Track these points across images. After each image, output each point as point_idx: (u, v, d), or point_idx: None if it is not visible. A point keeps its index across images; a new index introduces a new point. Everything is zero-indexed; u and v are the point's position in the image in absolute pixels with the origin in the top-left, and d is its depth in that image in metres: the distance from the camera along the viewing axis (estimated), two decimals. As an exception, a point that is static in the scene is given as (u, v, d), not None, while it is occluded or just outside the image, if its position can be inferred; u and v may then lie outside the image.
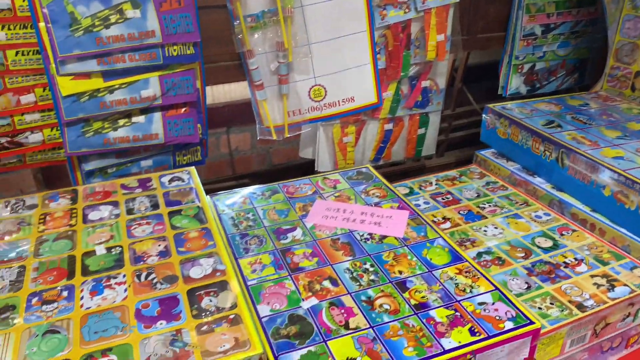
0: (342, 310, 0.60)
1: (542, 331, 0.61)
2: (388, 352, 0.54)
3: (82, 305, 0.57)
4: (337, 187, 0.86)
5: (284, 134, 0.98)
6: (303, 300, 0.61)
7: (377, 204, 0.81)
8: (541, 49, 1.17)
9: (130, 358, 0.51)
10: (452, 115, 1.41)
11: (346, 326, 0.57)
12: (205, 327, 0.54)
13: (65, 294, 0.59)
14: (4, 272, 0.62)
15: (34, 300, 0.58)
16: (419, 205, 0.89)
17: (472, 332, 0.57)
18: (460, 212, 0.88)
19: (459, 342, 0.56)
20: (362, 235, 0.73)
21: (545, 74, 1.21)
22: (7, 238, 0.68)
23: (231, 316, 0.56)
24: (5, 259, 0.64)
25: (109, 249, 0.66)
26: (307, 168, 1.39)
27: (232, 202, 0.82)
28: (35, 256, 0.65)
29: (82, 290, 0.59)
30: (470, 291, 0.63)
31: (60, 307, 0.57)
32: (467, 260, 0.68)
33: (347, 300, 0.61)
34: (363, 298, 0.61)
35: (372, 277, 0.65)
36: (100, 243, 0.68)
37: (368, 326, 0.57)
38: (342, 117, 1.01)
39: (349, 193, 0.84)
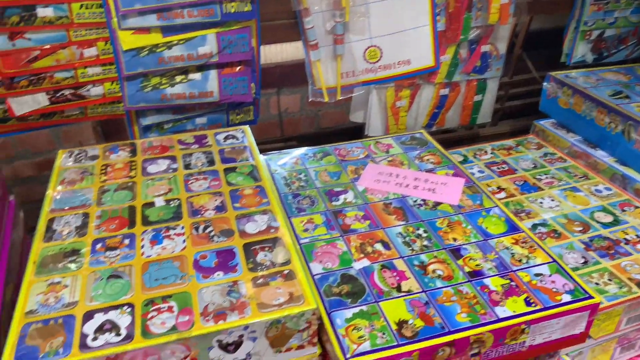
0: (394, 273, 0.60)
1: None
2: (441, 317, 0.54)
3: (142, 254, 0.59)
4: (390, 151, 0.85)
5: (336, 97, 0.97)
6: (355, 261, 0.61)
7: (431, 170, 0.79)
8: (613, 15, 1.10)
9: (189, 305, 0.52)
10: (509, 83, 1.36)
11: (398, 289, 0.58)
12: (260, 280, 0.55)
13: (126, 242, 0.61)
14: (70, 219, 0.65)
15: (98, 246, 0.60)
16: (473, 174, 0.87)
17: (528, 303, 0.56)
18: (516, 182, 0.85)
19: (514, 312, 0.55)
20: (416, 201, 0.72)
21: (615, 42, 1.14)
22: (71, 186, 0.71)
23: (285, 271, 0.57)
24: (70, 206, 0.67)
25: (167, 201, 0.68)
26: (355, 132, 1.38)
27: (284, 162, 0.82)
28: (98, 205, 0.68)
29: (142, 240, 0.62)
30: (527, 262, 0.61)
31: (122, 254, 0.59)
32: (523, 231, 0.66)
33: (399, 264, 0.61)
34: (416, 263, 0.61)
35: (425, 242, 0.64)
36: (159, 195, 0.70)
37: (420, 290, 0.57)
38: (396, 81, 0.99)
39: (402, 158, 0.83)
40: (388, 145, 0.87)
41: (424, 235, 0.65)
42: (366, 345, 0.51)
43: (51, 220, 0.64)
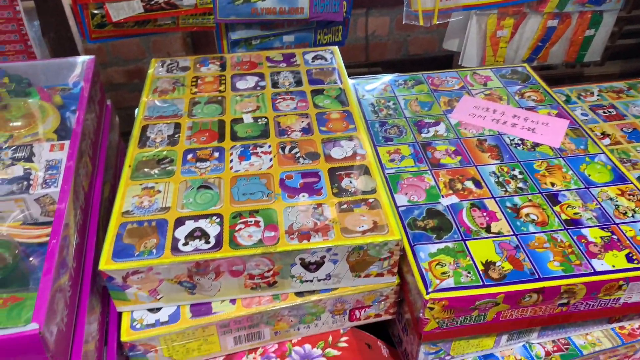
0: (484, 213, 0.57)
1: None
2: (531, 262, 0.52)
3: (231, 168, 0.60)
4: (488, 84, 0.79)
5: (432, 20, 0.91)
6: (443, 196, 0.59)
7: (532, 109, 0.73)
8: None
9: (275, 222, 0.53)
10: (625, 18, 1.21)
11: (487, 229, 0.55)
12: (345, 206, 0.55)
13: (216, 154, 0.62)
14: (163, 127, 0.67)
15: (189, 156, 0.62)
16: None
17: (630, 259, 0.52)
18: (624, 129, 0.78)
19: (612, 266, 0.51)
20: (513, 139, 0.67)
21: None
22: (164, 96, 0.72)
23: (370, 200, 0.56)
24: (162, 115, 0.69)
25: (255, 119, 0.68)
26: (445, 62, 1.30)
27: (372, 88, 0.79)
28: (189, 116, 0.69)
29: (231, 154, 0.62)
30: (632, 216, 0.57)
31: (212, 166, 0.61)
32: (632, 182, 0.61)
33: (491, 204, 0.58)
34: (508, 205, 0.58)
35: (520, 184, 0.61)
36: (248, 112, 0.69)
37: (511, 233, 0.55)
38: (500, 7, 0.90)
39: (500, 92, 0.77)
40: (486, 78, 0.81)
41: (520, 177, 0.62)
42: (449, 282, 0.50)
43: (145, 127, 0.66)
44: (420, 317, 0.51)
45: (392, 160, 0.64)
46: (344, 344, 0.59)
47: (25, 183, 0.51)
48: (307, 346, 0.58)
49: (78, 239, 0.51)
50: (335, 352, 0.58)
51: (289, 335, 0.58)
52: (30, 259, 0.49)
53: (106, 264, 0.49)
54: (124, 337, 0.52)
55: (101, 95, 0.72)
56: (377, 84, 0.80)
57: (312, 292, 0.55)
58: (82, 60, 0.70)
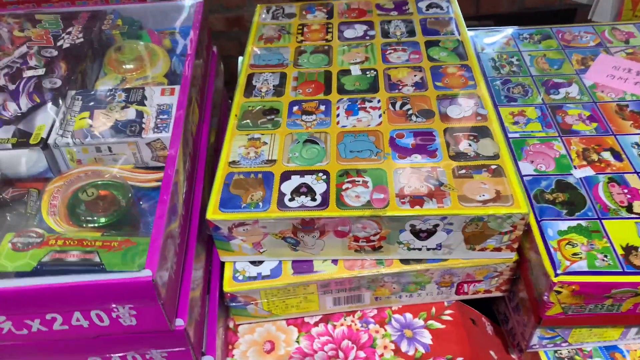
0: (625, 190, 0.50)
1: None
2: (685, 252, 0.44)
3: (338, 123, 0.57)
4: (631, 42, 0.68)
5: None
6: (575, 168, 0.52)
7: (687, 70, 0.63)
8: None
9: (384, 184, 0.50)
10: None
11: (629, 209, 0.48)
12: (463, 171, 0.50)
13: (322, 107, 0.59)
14: (268, 76, 0.64)
15: (295, 108, 0.59)
16: None
17: None
18: None
19: None
20: (662, 105, 0.58)
21: None
22: (269, 44, 0.70)
23: (493, 166, 0.50)
24: (268, 64, 0.66)
25: (363, 71, 0.64)
26: (567, 17, 1.16)
27: (493, 41, 0.71)
28: (294, 66, 0.66)
29: (338, 108, 0.59)
30: None
31: (318, 120, 0.58)
32: None
33: (633, 180, 0.51)
34: (656, 181, 0.50)
35: (671, 159, 0.52)
36: (356, 63, 0.65)
37: (659, 215, 0.47)
38: (653, -50, 0.77)
39: (647, 51, 0.66)
40: (628, 34, 0.70)
41: (670, 150, 0.53)
42: (582, 265, 0.44)
43: (250, 76, 0.64)
44: (544, 300, 0.46)
45: (515, 123, 0.58)
46: (448, 317, 0.55)
47: (138, 127, 0.51)
48: (408, 315, 0.56)
49: (187, 186, 0.51)
50: (438, 325, 0.55)
51: (389, 302, 0.56)
52: (141, 202, 0.49)
53: (213, 213, 0.49)
54: (226, 288, 0.51)
55: (208, 41, 0.71)
56: (498, 37, 0.72)
57: (419, 260, 0.52)
58: (191, 3, 0.69)
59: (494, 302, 0.61)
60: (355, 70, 0.64)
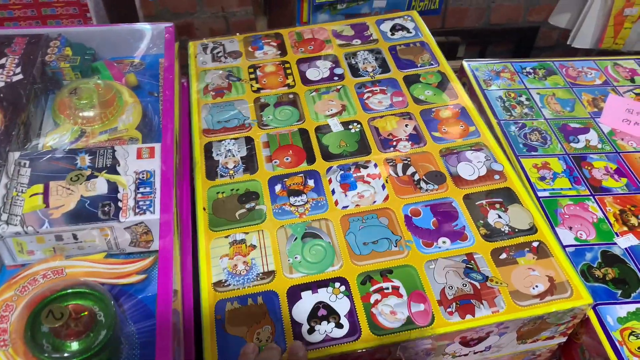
0: (671, 248, 0.45)
1: None
2: None
3: (336, 203, 0.46)
4: (636, 80, 0.64)
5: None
6: (617, 235, 0.46)
7: (679, 87, 0.59)
8: None
9: (419, 287, 0.41)
10: None
11: (682, 272, 0.43)
12: (504, 256, 0.42)
13: (311, 183, 0.48)
14: (231, 145, 0.52)
15: (278, 188, 0.48)
16: None
17: None
18: None
19: None
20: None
21: None
22: (220, 98, 0.57)
23: (534, 243, 0.43)
24: (226, 127, 0.53)
25: (345, 124, 0.53)
26: (529, 35, 1.12)
27: (492, 74, 0.63)
28: (260, 126, 0.54)
29: (330, 181, 0.48)
30: None
31: (311, 201, 0.47)
32: None
33: (674, 233, 0.46)
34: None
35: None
36: (332, 115, 0.55)
37: None
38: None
39: (645, 81, 0.63)
40: (632, 72, 0.65)
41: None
42: (657, 358, 0.39)
43: (208, 147, 0.52)
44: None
45: (542, 179, 0.51)
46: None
47: (113, 206, 0.38)
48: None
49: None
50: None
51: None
52: (120, 305, 0.37)
53: (215, 370, 0.37)
54: None
55: (178, 73, 0.56)
56: (500, 71, 0.64)
57: None
58: (155, 28, 0.55)
59: None
60: (335, 126, 0.53)
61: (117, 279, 0.39)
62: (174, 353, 0.31)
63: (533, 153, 0.53)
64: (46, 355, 0.33)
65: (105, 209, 0.39)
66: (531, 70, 0.63)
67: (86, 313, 0.35)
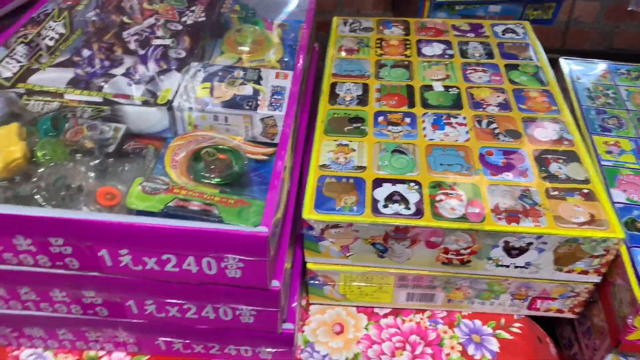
0: None
1: None
2: None
3: (425, 135, 0.58)
4: None
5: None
6: (667, 201, 0.53)
7: None
8: None
9: (479, 198, 0.50)
10: None
11: None
12: (556, 193, 0.51)
13: (407, 120, 0.60)
14: (351, 86, 0.66)
15: (380, 118, 0.60)
16: None
17: None
18: None
19: None
20: None
21: None
22: (349, 55, 0.71)
23: (585, 190, 0.51)
24: (350, 74, 0.68)
25: (446, 88, 0.65)
26: None
27: (586, 71, 0.72)
28: (376, 78, 0.67)
29: (423, 121, 0.60)
30: None
31: (405, 131, 0.59)
32: None
33: None
34: None
35: None
36: (437, 80, 0.66)
37: None
38: None
39: None
40: None
41: None
42: (676, 294, 0.45)
43: (333, 85, 0.66)
44: (627, 324, 0.47)
45: (609, 152, 0.59)
46: (517, 330, 0.56)
47: (254, 102, 0.53)
48: (477, 322, 0.57)
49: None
50: (506, 335, 0.55)
51: (460, 306, 0.56)
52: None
53: (309, 213, 0.50)
54: (310, 265, 0.53)
55: (314, 37, 0.73)
56: (595, 70, 0.73)
57: (501, 274, 0.52)
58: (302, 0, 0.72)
59: (558, 326, 0.61)
60: (438, 87, 0.65)
61: (248, 154, 0.53)
62: (278, 202, 0.44)
63: (606, 133, 0.61)
64: (198, 176, 0.47)
65: (249, 103, 0.54)
66: (625, 72, 0.71)
67: (225, 158, 0.49)
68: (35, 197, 0.44)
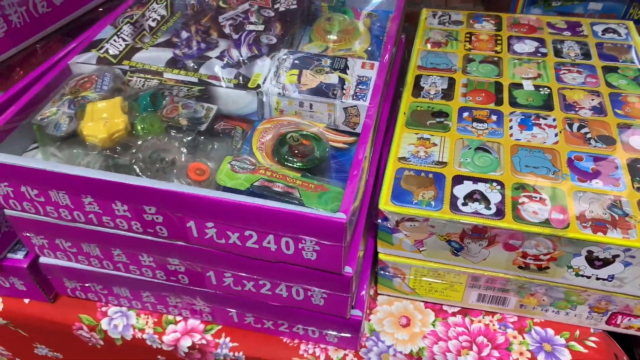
0: None
1: None
2: None
3: (511, 135, 0.56)
4: None
5: None
6: None
7: None
8: None
9: (563, 204, 0.48)
10: None
11: None
12: (650, 205, 0.48)
13: (494, 117, 0.59)
14: (437, 80, 0.65)
15: (465, 114, 0.59)
16: None
17: None
18: None
19: None
20: None
21: None
22: (437, 48, 0.70)
23: (684, 205, 0.48)
24: (436, 67, 0.67)
25: (536, 87, 0.63)
26: None
27: None
28: (463, 72, 0.66)
29: (510, 120, 0.58)
30: None
31: (490, 129, 0.57)
32: None
33: None
34: None
35: None
36: (528, 78, 0.64)
37: None
38: None
39: None
40: None
41: None
42: None
43: (418, 77, 0.65)
44: None
45: None
46: (592, 344, 0.54)
47: (339, 91, 0.54)
48: (550, 330, 0.55)
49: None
50: (580, 348, 0.53)
51: (533, 312, 0.55)
52: None
53: (385, 204, 0.50)
54: (382, 255, 0.54)
55: (402, 28, 0.73)
56: None
57: (582, 286, 0.50)
58: None
59: (638, 346, 0.58)
60: (528, 86, 0.63)
61: (330, 141, 0.54)
62: (356, 191, 0.44)
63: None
64: (282, 159, 0.49)
65: (334, 91, 0.55)
66: None
67: (308, 144, 0.51)
68: (134, 167, 0.47)
